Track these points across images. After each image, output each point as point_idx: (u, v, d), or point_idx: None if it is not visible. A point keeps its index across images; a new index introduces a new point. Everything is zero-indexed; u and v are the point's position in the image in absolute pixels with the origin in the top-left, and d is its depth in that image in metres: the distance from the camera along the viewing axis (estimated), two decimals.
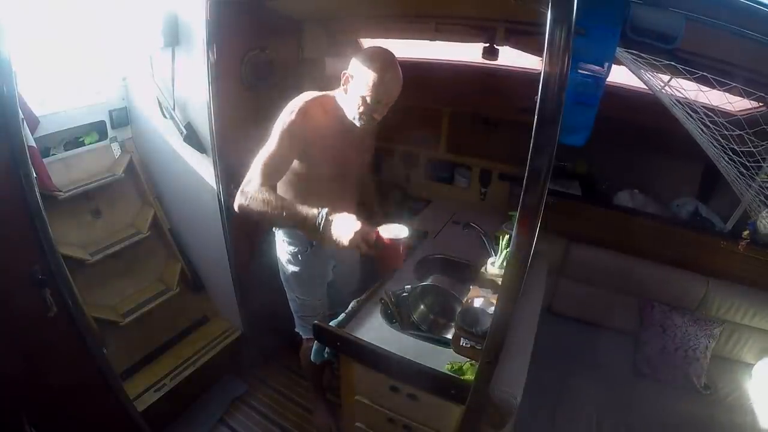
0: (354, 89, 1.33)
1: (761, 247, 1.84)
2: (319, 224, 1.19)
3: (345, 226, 1.17)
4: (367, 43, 2.40)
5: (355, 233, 1.15)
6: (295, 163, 1.39)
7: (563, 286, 2.26)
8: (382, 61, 1.30)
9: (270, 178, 1.31)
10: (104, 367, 1.44)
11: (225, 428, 1.95)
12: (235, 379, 2.15)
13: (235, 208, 1.29)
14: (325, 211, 1.20)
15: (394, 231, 1.18)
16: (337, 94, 1.41)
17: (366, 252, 1.19)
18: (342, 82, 1.36)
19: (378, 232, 1.18)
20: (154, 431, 1.67)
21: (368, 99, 1.30)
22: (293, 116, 1.32)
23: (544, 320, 1.66)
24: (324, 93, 1.42)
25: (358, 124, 1.36)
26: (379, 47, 1.37)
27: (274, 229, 1.61)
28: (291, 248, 1.59)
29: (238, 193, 1.29)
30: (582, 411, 1.77)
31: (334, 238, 1.18)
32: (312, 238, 1.48)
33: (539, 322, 1.60)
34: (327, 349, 1.47)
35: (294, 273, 1.61)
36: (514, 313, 1.02)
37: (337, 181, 1.48)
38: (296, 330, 1.77)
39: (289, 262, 1.61)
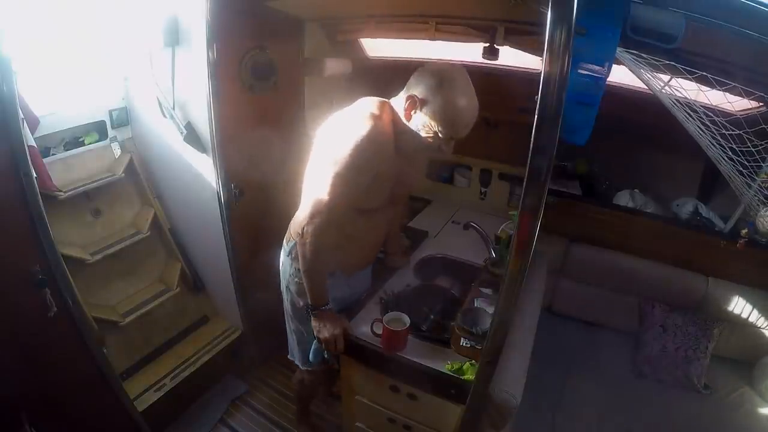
0: (423, 119, 1.13)
1: (761, 246, 1.84)
2: (317, 313, 1.31)
3: (329, 329, 1.29)
4: (367, 43, 2.40)
5: (333, 336, 1.29)
6: None
7: (563, 286, 2.26)
8: (464, 90, 1.11)
9: (337, 209, 1.18)
10: (104, 367, 1.44)
11: (225, 428, 1.95)
12: (235, 379, 2.15)
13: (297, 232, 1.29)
14: (329, 307, 1.32)
15: (397, 320, 1.30)
16: (399, 107, 1.20)
17: (334, 352, 1.33)
18: (406, 105, 1.15)
19: (384, 323, 1.28)
20: (154, 431, 1.68)
21: (441, 134, 1.13)
22: (368, 131, 1.12)
23: (544, 320, 1.66)
24: (383, 101, 1.21)
25: (419, 153, 1.22)
26: (459, 70, 1.14)
27: (288, 256, 1.42)
28: None
29: (301, 221, 1.22)
30: (582, 411, 1.77)
31: (317, 330, 1.32)
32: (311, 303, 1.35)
33: (539, 322, 1.60)
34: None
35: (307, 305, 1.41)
36: (514, 313, 1.02)
37: (385, 211, 1.34)
38: (290, 357, 1.61)
39: (301, 293, 1.38)
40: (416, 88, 1.13)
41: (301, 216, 1.26)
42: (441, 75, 1.12)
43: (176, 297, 2.03)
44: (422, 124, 1.14)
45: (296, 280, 1.41)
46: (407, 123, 1.17)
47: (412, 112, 1.15)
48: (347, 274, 1.47)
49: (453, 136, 1.15)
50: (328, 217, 1.18)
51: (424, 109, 1.12)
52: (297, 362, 1.60)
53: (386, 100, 1.24)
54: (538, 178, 0.84)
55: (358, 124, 1.14)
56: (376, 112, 1.16)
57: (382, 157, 1.18)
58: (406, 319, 1.30)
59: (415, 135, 1.16)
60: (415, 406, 1.34)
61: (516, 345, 1.36)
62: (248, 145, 1.80)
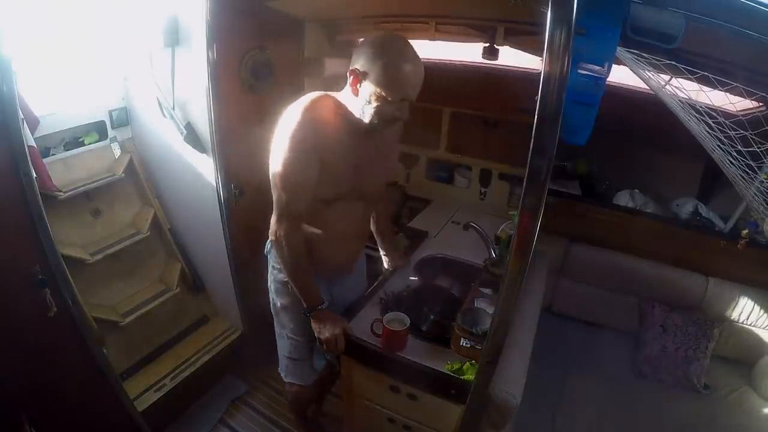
0: (369, 89, 1.11)
1: (761, 247, 1.84)
2: (314, 314, 1.30)
3: (330, 328, 1.29)
4: None
5: (334, 336, 1.28)
6: None
7: (563, 286, 2.26)
8: (402, 51, 1.10)
9: (296, 205, 1.19)
10: (104, 367, 1.44)
11: (225, 428, 1.95)
12: (235, 379, 2.15)
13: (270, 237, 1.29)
14: (325, 305, 1.32)
15: (397, 321, 1.31)
16: (345, 96, 1.19)
17: (335, 352, 1.32)
18: (350, 81, 1.14)
19: (384, 323, 1.29)
20: (154, 431, 1.68)
21: (390, 98, 1.10)
22: (301, 122, 1.12)
23: (544, 320, 1.66)
24: (327, 94, 1.22)
25: (378, 127, 1.17)
26: (390, 34, 1.16)
27: (267, 254, 1.43)
28: (281, 276, 1.35)
29: (272, 225, 1.23)
30: (582, 411, 1.77)
31: (317, 331, 1.31)
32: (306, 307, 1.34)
33: (539, 322, 1.60)
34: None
35: (284, 306, 1.41)
36: (514, 313, 1.02)
37: (353, 205, 1.32)
38: (279, 371, 1.53)
39: (279, 292, 1.40)
40: (357, 62, 1.12)
41: (273, 219, 1.25)
42: (376, 42, 1.12)
43: (176, 297, 2.03)
44: (369, 94, 1.12)
45: (272, 278, 1.43)
46: (355, 99, 1.15)
47: (358, 86, 1.13)
48: (327, 280, 1.43)
49: (403, 98, 1.12)
50: (292, 215, 1.20)
51: (368, 80, 1.11)
52: (284, 377, 1.53)
53: (332, 93, 1.23)
54: (538, 178, 0.84)
55: (289, 117, 1.15)
56: (308, 103, 1.16)
57: (323, 143, 1.16)
58: (406, 319, 1.30)
59: (365, 109, 1.14)
60: (415, 406, 1.34)
61: (516, 345, 1.36)
62: (248, 145, 1.79)
